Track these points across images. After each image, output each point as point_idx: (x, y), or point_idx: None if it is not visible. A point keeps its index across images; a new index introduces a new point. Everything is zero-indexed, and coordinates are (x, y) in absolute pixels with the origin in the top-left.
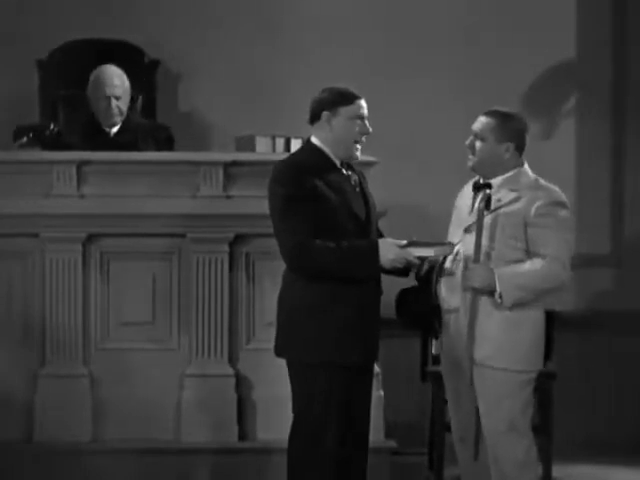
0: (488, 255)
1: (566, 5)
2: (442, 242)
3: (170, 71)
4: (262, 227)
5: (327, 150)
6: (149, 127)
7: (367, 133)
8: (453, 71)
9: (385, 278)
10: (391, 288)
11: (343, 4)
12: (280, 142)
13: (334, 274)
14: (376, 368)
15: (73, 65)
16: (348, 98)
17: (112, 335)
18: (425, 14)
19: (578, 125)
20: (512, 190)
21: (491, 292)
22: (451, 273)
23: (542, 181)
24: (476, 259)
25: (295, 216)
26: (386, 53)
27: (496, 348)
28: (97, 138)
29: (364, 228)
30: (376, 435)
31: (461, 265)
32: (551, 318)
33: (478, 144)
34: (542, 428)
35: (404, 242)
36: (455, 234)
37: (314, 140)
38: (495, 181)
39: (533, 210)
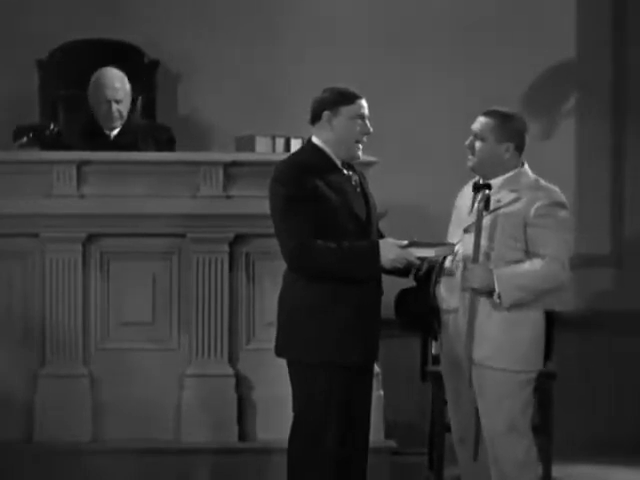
0: (487, 255)
1: (566, 5)
2: (443, 243)
3: (170, 71)
4: (262, 227)
5: (328, 150)
6: (149, 128)
7: (368, 133)
8: (453, 71)
9: (386, 278)
10: (391, 288)
11: (343, 4)
12: (280, 142)
13: (335, 274)
14: (376, 368)
15: (73, 65)
16: (349, 98)
17: (112, 335)
18: (425, 14)
19: (578, 125)
20: (512, 191)
21: (490, 292)
22: (451, 273)
23: (542, 182)
24: (475, 259)
25: (296, 216)
26: (386, 53)
27: (495, 348)
28: (97, 140)
29: (365, 228)
30: (376, 435)
31: (460, 265)
32: (551, 318)
33: (478, 144)
34: (542, 428)
35: (405, 242)
36: (455, 234)
37: (315, 140)
38: (495, 181)
39: (533, 210)
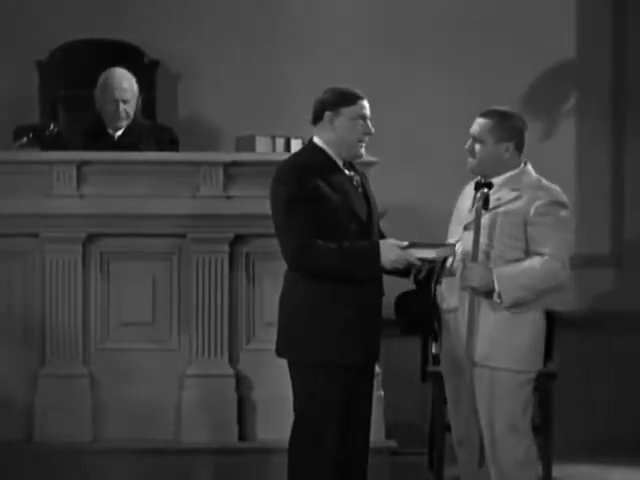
0: (487, 254)
1: (566, 5)
2: (443, 243)
3: (170, 71)
4: (262, 227)
5: (329, 150)
6: (152, 129)
7: (370, 133)
8: (453, 71)
9: (386, 279)
10: (392, 289)
11: (343, 4)
12: (280, 142)
13: (335, 274)
14: (376, 368)
15: (73, 65)
16: (350, 98)
17: (112, 335)
18: (425, 14)
19: (578, 125)
20: (513, 189)
21: (490, 292)
22: (452, 273)
23: (544, 181)
24: (474, 258)
25: (297, 216)
26: (386, 53)
27: (496, 348)
28: (101, 140)
29: (366, 229)
30: (376, 435)
31: (460, 264)
32: (551, 318)
33: (477, 147)
34: (542, 428)
35: (405, 243)
36: (455, 232)
37: (316, 140)
38: (497, 180)
39: (533, 209)
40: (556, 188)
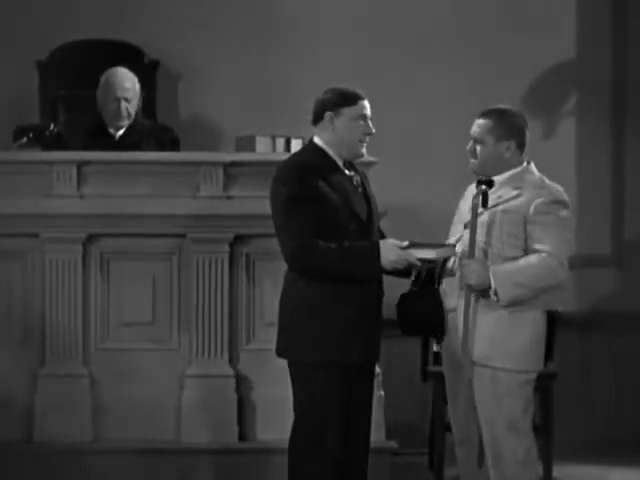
0: (485, 252)
1: (566, 5)
2: (444, 243)
3: (170, 71)
4: (262, 227)
5: (330, 150)
6: (153, 129)
7: (370, 133)
8: (453, 71)
9: (387, 279)
10: (392, 289)
11: (343, 4)
12: (280, 142)
13: (335, 275)
14: (376, 368)
15: (73, 65)
16: (351, 99)
17: (112, 335)
18: (425, 14)
19: (578, 125)
20: (515, 188)
21: (486, 290)
22: (452, 273)
23: (547, 180)
24: (470, 255)
25: (297, 216)
26: (386, 53)
27: (496, 348)
28: (102, 140)
29: (366, 229)
30: (376, 435)
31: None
32: (552, 318)
33: (478, 148)
34: (542, 428)
35: (405, 243)
36: (456, 232)
37: (317, 140)
38: (498, 178)
39: (533, 207)
40: (558, 187)
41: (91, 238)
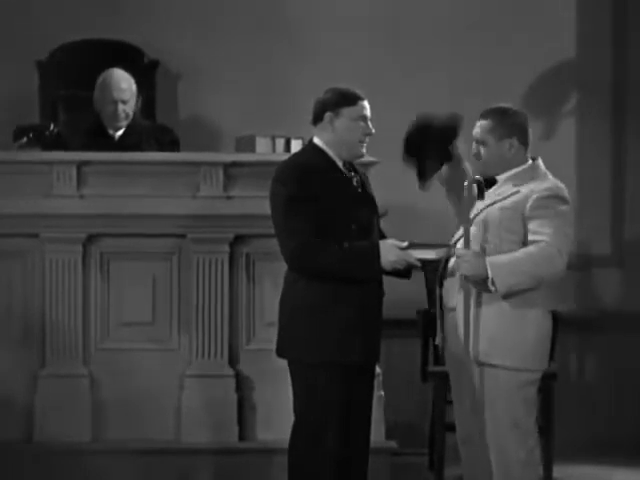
0: (482, 248)
1: (566, 5)
2: (443, 244)
3: (170, 71)
4: (262, 227)
5: (330, 151)
6: (152, 129)
7: (370, 134)
8: (453, 71)
9: (387, 279)
10: (392, 289)
11: (344, 4)
12: (280, 142)
13: (335, 275)
14: (376, 368)
15: (73, 65)
16: (351, 99)
17: (112, 335)
18: (425, 14)
19: (578, 125)
20: (516, 184)
21: (484, 281)
22: (452, 273)
23: (550, 176)
24: (465, 246)
25: (297, 216)
26: (386, 53)
27: (495, 346)
28: (101, 141)
29: (365, 229)
30: (377, 435)
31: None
32: (554, 319)
33: (482, 149)
34: (543, 428)
35: (405, 244)
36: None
37: (317, 141)
38: (502, 176)
39: (531, 202)
40: (558, 183)
41: (91, 238)
